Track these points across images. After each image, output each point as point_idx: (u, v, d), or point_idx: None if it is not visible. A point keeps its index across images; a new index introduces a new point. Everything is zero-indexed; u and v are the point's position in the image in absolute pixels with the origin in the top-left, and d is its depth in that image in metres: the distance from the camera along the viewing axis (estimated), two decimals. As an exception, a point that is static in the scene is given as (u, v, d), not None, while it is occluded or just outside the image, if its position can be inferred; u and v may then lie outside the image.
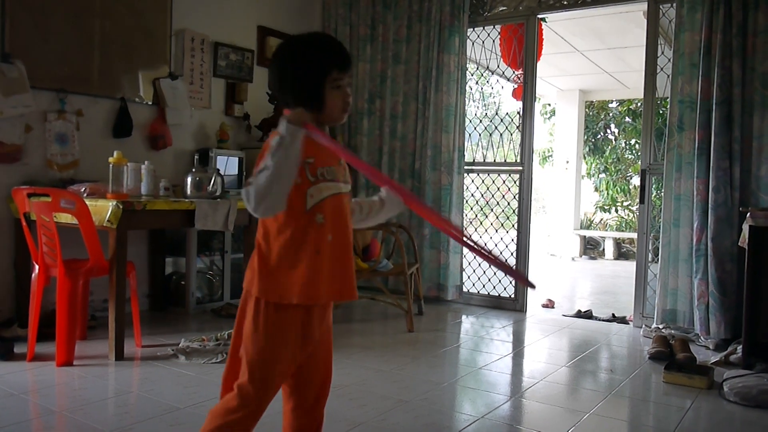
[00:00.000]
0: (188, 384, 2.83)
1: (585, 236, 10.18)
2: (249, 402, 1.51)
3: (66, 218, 3.13)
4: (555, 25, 6.35)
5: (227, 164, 4.52)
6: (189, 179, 3.71)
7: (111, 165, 3.28)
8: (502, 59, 5.24)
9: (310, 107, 1.51)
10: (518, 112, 4.97)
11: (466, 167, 5.07)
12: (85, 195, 3.36)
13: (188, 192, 3.70)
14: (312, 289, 1.50)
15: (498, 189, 5.21)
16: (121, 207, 3.09)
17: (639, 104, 10.41)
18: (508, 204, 5.15)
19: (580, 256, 9.90)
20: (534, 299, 5.20)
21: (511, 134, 5.19)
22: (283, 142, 1.38)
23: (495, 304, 5.00)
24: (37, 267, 3.19)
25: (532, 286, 1.46)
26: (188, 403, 2.58)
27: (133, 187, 3.53)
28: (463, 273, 5.08)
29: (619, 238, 10.06)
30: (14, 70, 3.54)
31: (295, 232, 1.49)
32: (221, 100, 4.88)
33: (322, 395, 1.67)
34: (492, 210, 5.33)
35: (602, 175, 11.23)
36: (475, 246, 1.42)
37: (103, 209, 3.13)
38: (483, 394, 2.91)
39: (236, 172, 4.61)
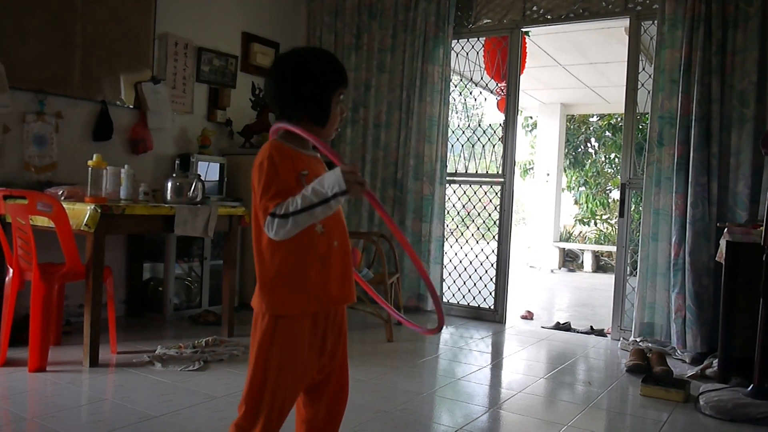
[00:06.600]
0: (164, 392, 2.79)
1: (564, 248, 10.24)
2: (260, 415, 1.51)
3: (42, 221, 3.08)
4: (538, 38, 6.42)
5: (208, 170, 4.49)
6: (169, 184, 3.67)
7: (90, 168, 3.23)
8: (485, 71, 5.28)
9: (315, 121, 1.55)
10: (501, 124, 5.00)
11: (448, 178, 5.09)
12: (62, 198, 3.32)
13: (168, 197, 3.65)
14: (319, 295, 1.54)
15: (479, 200, 5.23)
16: (99, 211, 3.05)
17: (619, 119, 10.54)
18: (489, 215, 5.17)
19: (559, 268, 9.96)
20: (513, 311, 5.21)
21: (493, 146, 5.21)
22: (329, 202, 1.37)
23: (474, 314, 5.00)
24: (11, 270, 3.13)
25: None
26: (164, 412, 2.54)
27: (112, 191, 3.47)
28: (444, 283, 5.09)
29: (597, 251, 10.14)
30: (-7, 70, 3.49)
31: (297, 244, 1.49)
32: (204, 106, 4.84)
33: (336, 411, 1.67)
34: (473, 221, 5.34)
35: (582, 188, 11.32)
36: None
37: (81, 213, 3.08)
38: (461, 405, 2.90)
39: (217, 178, 4.58)
